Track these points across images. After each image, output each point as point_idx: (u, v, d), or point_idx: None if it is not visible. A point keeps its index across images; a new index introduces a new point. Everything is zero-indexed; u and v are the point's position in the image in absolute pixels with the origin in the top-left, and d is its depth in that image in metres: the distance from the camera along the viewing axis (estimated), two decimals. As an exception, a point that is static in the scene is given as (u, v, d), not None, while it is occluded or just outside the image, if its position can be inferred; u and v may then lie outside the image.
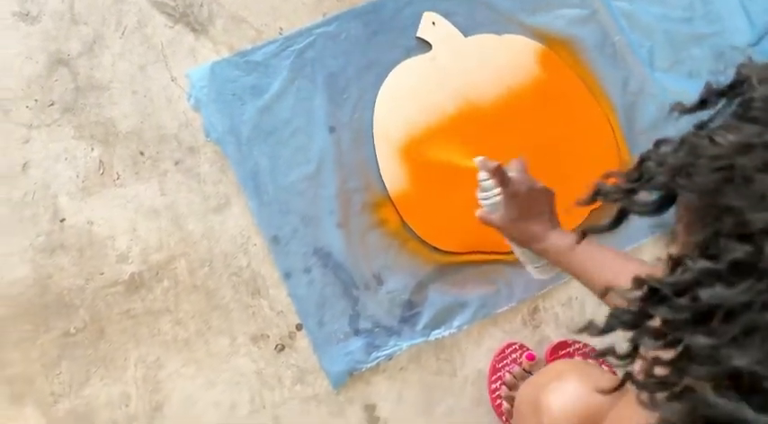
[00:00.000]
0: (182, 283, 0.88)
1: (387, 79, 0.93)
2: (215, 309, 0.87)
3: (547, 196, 0.67)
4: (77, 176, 0.90)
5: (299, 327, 0.87)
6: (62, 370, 0.85)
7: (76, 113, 0.91)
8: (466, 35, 0.95)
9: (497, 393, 0.86)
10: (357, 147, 0.92)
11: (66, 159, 0.90)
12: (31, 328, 0.85)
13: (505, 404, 0.84)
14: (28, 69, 0.92)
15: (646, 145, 0.33)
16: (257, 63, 0.93)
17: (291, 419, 0.86)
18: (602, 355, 0.32)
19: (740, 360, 0.23)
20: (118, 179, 0.90)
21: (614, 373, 0.72)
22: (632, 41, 0.98)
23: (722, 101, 0.29)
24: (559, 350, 0.88)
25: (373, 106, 0.93)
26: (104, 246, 0.88)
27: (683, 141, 0.29)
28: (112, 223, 0.89)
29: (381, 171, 0.91)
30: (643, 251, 0.92)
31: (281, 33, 0.94)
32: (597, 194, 0.34)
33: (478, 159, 0.69)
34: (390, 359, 0.87)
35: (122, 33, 0.93)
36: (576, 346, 0.88)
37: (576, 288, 0.91)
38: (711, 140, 0.26)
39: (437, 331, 0.88)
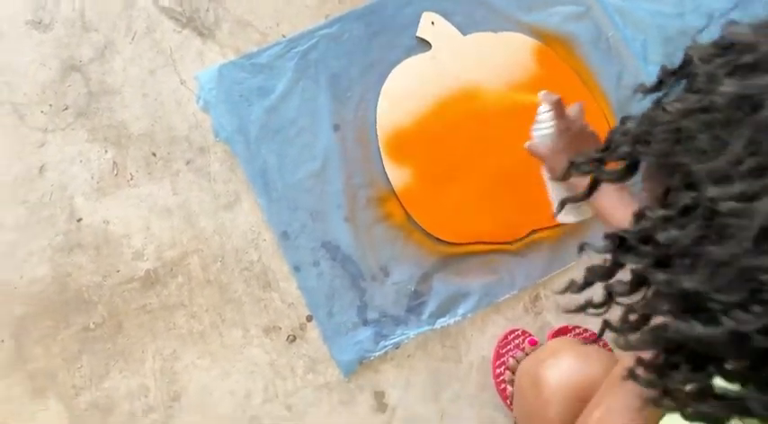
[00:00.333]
0: (195, 278, 0.91)
1: (388, 78, 0.96)
2: (228, 303, 0.90)
3: (594, 139, 0.70)
4: (92, 177, 0.93)
5: (309, 318, 0.91)
6: (83, 364, 0.88)
7: (90, 117, 0.94)
8: (464, 34, 0.98)
9: (501, 377, 0.89)
10: (361, 144, 0.95)
11: (80, 161, 0.93)
12: (51, 324, 0.89)
13: (509, 388, 0.87)
14: (42, 75, 0.95)
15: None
16: (263, 65, 0.96)
17: (304, 406, 0.89)
18: (582, 309, 0.36)
19: (689, 283, 0.27)
20: (131, 179, 0.93)
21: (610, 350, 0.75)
22: (626, 36, 1.01)
23: (675, 80, 0.33)
24: (560, 336, 0.91)
25: (376, 104, 0.96)
26: (120, 244, 0.91)
27: (643, 115, 0.34)
28: (127, 222, 0.92)
29: (385, 166, 0.94)
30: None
31: (284, 36, 0.97)
32: (571, 166, 0.39)
33: (543, 92, 0.73)
34: (398, 348, 0.91)
35: (132, 39, 0.97)
36: (577, 331, 0.92)
37: (576, 276, 0.94)
38: (664, 110, 0.31)
39: (442, 320, 0.91)
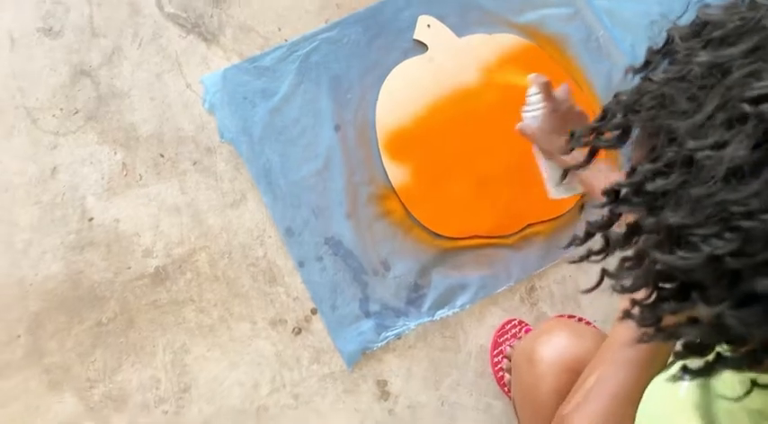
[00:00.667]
0: (203, 274, 0.95)
1: (387, 79, 1.00)
2: (235, 297, 0.94)
3: (581, 118, 0.75)
4: (103, 178, 0.96)
5: (313, 311, 0.94)
6: (96, 358, 0.92)
7: (99, 120, 0.98)
8: (459, 35, 1.02)
9: (499, 365, 0.93)
10: (361, 143, 0.99)
11: (91, 163, 0.97)
12: (65, 320, 0.92)
13: (507, 376, 0.91)
14: (53, 80, 0.99)
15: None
16: (266, 68, 1.00)
17: (310, 395, 0.92)
18: (585, 258, 0.41)
19: (674, 218, 0.32)
20: (140, 179, 0.97)
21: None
22: (615, 36, 1.05)
23: (660, 58, 0.38)
24: (556, 325, 0.94)
25: (375, 104, 1.00)
26: (130, 242, 0.95)
27: (633, 88, 0.39)
28: (137, 220, 0.95)
29: (385, 164, 0.98)
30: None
31: (286, 40, 1.01)
32: (572, 137, 0.43)
33: (532, 75, 0.76)
34: (399, 338, 0.94)
35: (139, 44, 1.00)
36: (571, 320, 0.95)
37: (569, 267, 0.98)
38: (650, 80, 0.36)
39: (441, 311, 0.95)
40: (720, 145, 0.30)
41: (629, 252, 0.37)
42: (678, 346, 0.37)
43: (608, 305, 0.94)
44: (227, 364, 0.93)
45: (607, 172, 0.69)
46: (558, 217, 0.99)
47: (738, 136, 0.30)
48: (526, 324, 0.94)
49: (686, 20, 0.39)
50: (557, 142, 0.75)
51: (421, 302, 0.95)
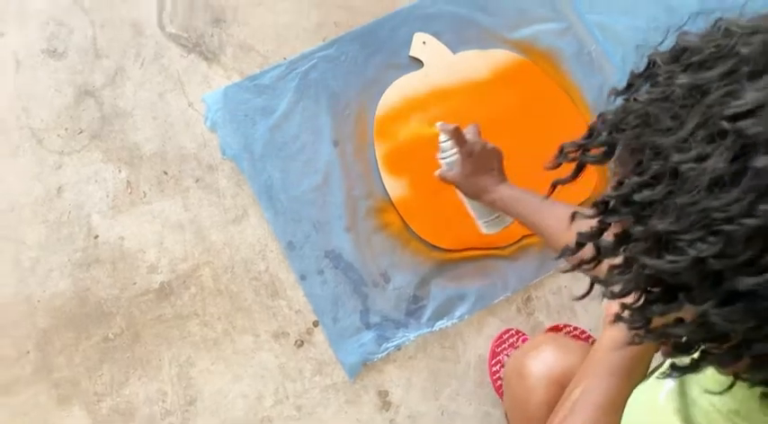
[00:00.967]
0: (207, 289, 0.97)
1: (384, 95, 1.02)
2: (238, 311, 0.96)
3: (496, 154, 0.80)
4: (107, 196, 0.99)
5: (315, 324, 0.96)
6: (103, 372, 0.94)
7: (104, 139, 1.00)
8: (454, 52, 1.04)
9: (497, 374, 0.95)
10: (360, 158, 1.01)
11: (96, 181, 0.99)
12: (73, 336, 0.94)
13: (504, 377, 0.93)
14: (57, 101, 1.01)
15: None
16: (266, 86, 1.02)
17: (312, 407, 0.95)
18: (577, 267, 0.43)
19: (661, 225, 0.35)
20: (144, 197, 0.99)
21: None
22: (607, 50, 1.08)
23: (642, 81, 0.40)
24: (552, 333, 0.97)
25: (372, 120, 1.02)
26: (135, 259, 0.97)
27: (617, 108, 0.41)
28: (142, 237, 0.98)
29: (383, 178, 1.00)
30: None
31: (285, 58, 1.03)
32: (560, 153, 0.45)
33: (439, 123, 0.79)
34: (399, 349, 0.96)
35: (141, 64, 1.03)
36: (567, 329, 0.97)
37: (564, 278, 1.00)
38: (635, 100, 0.39)
39: (440, 322, 0.97)
40: (703, 158, 0.33)
41: (618, 260, 0.40)
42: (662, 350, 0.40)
43: (602, 314, 0.96)
44: (231, 377, 0.95)
45: (536, 198, 0.73)
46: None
47: (719, 149, 0.33)
48: (523, 334, 0.96)
49: (666, 45, 0.41)
50: (480, 183, 0.79)
51: (420, 313, 0.98)
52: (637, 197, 0.36)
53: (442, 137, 0.81)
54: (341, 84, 1.03)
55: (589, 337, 0.96)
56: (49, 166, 0.99)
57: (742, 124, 0.32)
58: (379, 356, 0.95)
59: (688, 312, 0.35)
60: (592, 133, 0.43)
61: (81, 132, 1.01)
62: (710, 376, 0.43)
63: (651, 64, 0.40)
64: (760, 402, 0.40)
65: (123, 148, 1.00)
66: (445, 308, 0.98)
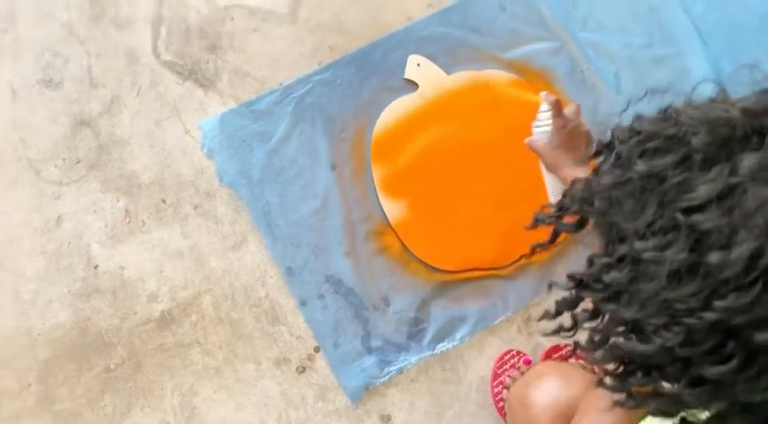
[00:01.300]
0: (208, 316, 0.97)
1: (380, 117, 1.03)
2: (240, 338, 0.96)
3: (587, 137, 0.79)
4: (106, 226, 0.99)
5: (316, 349, 0.97)
6: (106, 403, 0.94)
7: (101, 168, 1.00)
8: (448, 73, 1.05)
9: (500, 396, 0.95)
10: (357, 181, 1.02)
11: (94, 211, 0.99)
12: (74, 367, 0.94)
13: (507, 406, 0.93)
14: (54, 131, 1.01)
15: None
16: (262, 111, 1.03)
17: (316, 433, 0.95)
18: (555, 332, 0.45)
19: (628, 314, 0.36)
20: (143, 226, 0.99)
21: (593, 371, 0.81)
22: (599, 68, 1.08)
23: (608, 152, 0.43)
24: (552, 353, 0.97)
25: (369, 143, 1.02)
26: (136, 288, 0.97)
27: (586, 180, 0.43)
28: (141, 266, 0.98)
29: (381, 201, 1.01)
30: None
31: (281, 83, 1.04)
32: (536, 221, 0.47)
33: (543, 93, 0.80)
34: (401, 373, 0.97)
35: (137, 93, 1.03)
36: (568, 348, 0.98)
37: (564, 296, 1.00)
38: (597, 181, 0.40)
39: (442, 344, 0.97)
40: (661, 248, 0.34)
41: (596, 326, 0.41)
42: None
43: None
44: (233, 405, 0.95)
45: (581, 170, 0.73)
46: (554, 247, 1.02)
47: (676, 241, 0.34)
48: (524, 355, 0.97)
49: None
50: (562, 157, 0.79)
51: (421, 336, 0.98)
52: (605, 277, 0.38)
53: (543, 107, 0.80)
54: (337, 108, 1.03)
55: (590, 356, 0.96)
56: (48, 197, 0.99)
57: (695, 218, 0.33)
58: (382, 380, 0.96)
59: (664, 387, 0.37)
60: (562, 206, 0.45)
61: (78, 162, 1.01)
62: None
63: (612, 140, 0.42)
64: None
65: (121, 177, 1.00)
66: (446, 330, 0.98)
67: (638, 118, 0.40)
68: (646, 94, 0.44)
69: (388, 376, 0.96)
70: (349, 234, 1.00)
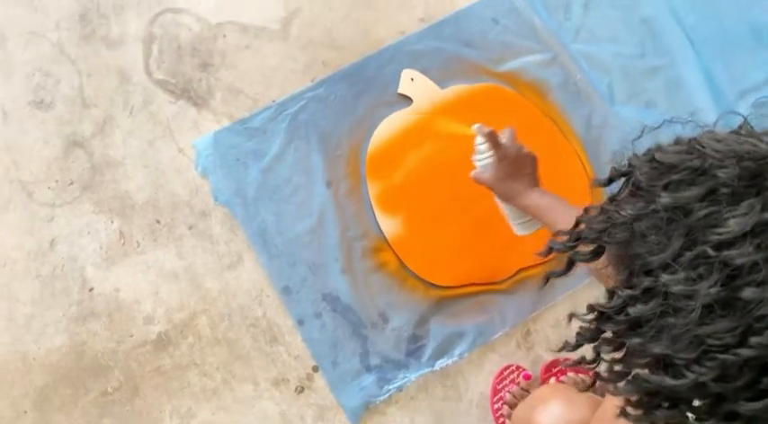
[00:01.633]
0: (205, 337, 0.96)
1: (374, 133, 1.03)
2: (237, 359, 0.96)
3: (531, 160, 0.79)
4: (101, 247, 0.98)
5: (315, 369, 0.96)
6: (103, 428, 0.93)
7: (95, 190, 1.00)
8: (442, 87, 1.05)
9: (500, 412, 0.95)
10: (353, 198, 1.01)
11: (89, 233, 0.98)
12: (71, 392, 0.93)
13: (508, 422, 0.93)
14: (46, 153, 1.00)
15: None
16: (256, 129, 1.02)
17: (316, 453, 0.94)
18: (577, 364, 0.44)
19: (656, 348, 0.35)
20: (138, 247, 0.98)
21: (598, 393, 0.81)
22: (592, 79, 1.08)
23: (623, 180, 0.42)
24: (552, 368, 0.97)
25: (364, 159, 1.02)
26: (131, 310, 0.96)
27: (602, 209, 0.42)
28: (137, 288, 0.97)
29: (377, 217, 1.00)
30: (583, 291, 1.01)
31: (274, 100, 1.03)
32: (550, 249, 0.46)
33: (476, 126, 0.79)
34: (401, 390, 0.96)
35: (130, 112, 1.02)
36: (568, 362, 0.97)
37: (563, 310, 1.00)
38: (617, 212, 0.39)
39: (441, 361, 0.97)
40: (693, 281, 0.33)
41: (619, 361, 0.40)
42: None
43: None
44: (233, 426, 0.94)
45: (565, 208, 0.73)
46: (549, 260, 1.01)
47: (708, 275, 0.33)
48: (524, 369, 0.96)
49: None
50: (513, 186, 0.78)
51: (420, 353, 0.97)
52: (631, 311, 0.37)
53: (479, 140, 0.80)
54: (331, 124, 1.03)
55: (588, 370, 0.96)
56: (41, 219, 0.98)
57: (728, 254, 0.32)
58: (381, 398, 0.95)
59: (691, 421, 0.36)
60: (579, 236, 0.44)
61: (71, 183, 1.00)
62: None
63: (631, 169, 0.41)
64: None
65: (115, 198, 1.00)
66: (445, 346, 0.98)
67: (659, 148, 0.39)
68: (663, 123, 0.43)
69: (387, 394, 0.95)
70: (345, 251, 0.99)
